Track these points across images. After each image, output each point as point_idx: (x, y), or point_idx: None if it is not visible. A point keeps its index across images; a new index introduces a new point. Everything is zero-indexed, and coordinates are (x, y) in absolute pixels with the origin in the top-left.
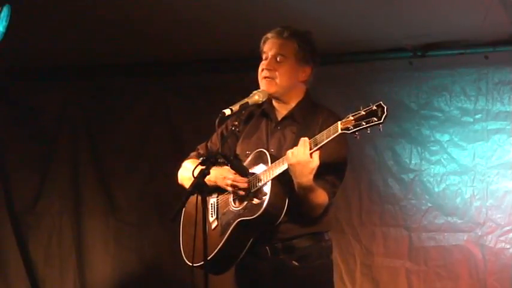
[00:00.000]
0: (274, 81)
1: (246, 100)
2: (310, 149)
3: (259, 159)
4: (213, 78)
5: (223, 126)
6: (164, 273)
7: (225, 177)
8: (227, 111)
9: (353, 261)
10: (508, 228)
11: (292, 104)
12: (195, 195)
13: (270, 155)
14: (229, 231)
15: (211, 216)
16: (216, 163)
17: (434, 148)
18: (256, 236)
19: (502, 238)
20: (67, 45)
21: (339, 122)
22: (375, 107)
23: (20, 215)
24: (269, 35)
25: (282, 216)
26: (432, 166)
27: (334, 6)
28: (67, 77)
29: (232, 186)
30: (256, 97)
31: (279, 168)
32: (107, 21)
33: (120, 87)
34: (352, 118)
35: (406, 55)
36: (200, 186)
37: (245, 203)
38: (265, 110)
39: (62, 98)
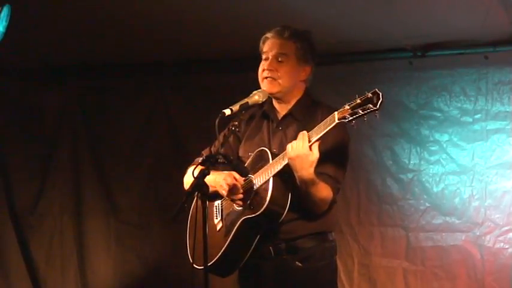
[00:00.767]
0: (277, 81)
1: (246, 100)
2: (309, 142)
3: (261, 157)
4: (213, 78)
5: (225, 129)
6: (165, 273)
7: (221, 185)
8: (227, 111)
9: (351, 261)
10: (506, 228)
11: (293, 103)
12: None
13: (271, 152)
14: (233, 231)
15: (216, 218)
16: (216, 163)
17: (433, 148)
18: (261, 235)
19: (500, 238)
20: (67, 45)
21: (336, 112)
22: (370, 94)
23: (21, 215)
24: (269, 35)
25: (285, 212)
26: (431, 166)
27: (334, 7)
28: (67, 77)
29: (228, 194)
30: (256, 97)
31: (280, 164)
32: (106, 22)
33: (120, 87)
34: (348, 107)
35: (406, 55)
36: (200, 187)
37: (248, 201)
38: (265, 111)
39: (62, 98)
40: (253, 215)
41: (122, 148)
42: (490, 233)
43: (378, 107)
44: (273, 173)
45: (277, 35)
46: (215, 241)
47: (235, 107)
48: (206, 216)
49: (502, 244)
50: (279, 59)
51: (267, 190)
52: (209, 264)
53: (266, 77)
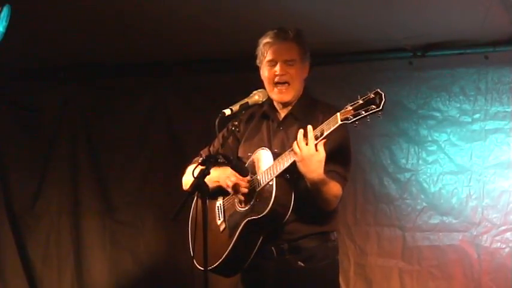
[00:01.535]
0: (291, 86)
1: (246, 100)
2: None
3: (262, 157)
4: (213, 78)
5: (224, 129)
6: (160, 272)
7: (227, 177)
8: (227, 111)
9: (347, 261)
10: (503, 228)
11: (293, 103)
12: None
13: (272, 152)
14: (237, 232)
15: (219, 219)
16: (216, 163)
17: (431, 148)
18: (265, 235)
19: (497, 238)
20: (67, 45)
21: (338, 113)
22: (372, 95)
23: (18, 215)
24: (270, 39)
25: (289, 213)
26: (429, 166)
27: (334, 7)
28: (67, 77)
29: (233, 188)
30: (256, 97)
31: (283, 164)
32: (106, 22)
33: (119, 87)
34: (350, 108)
35: (406, 55)
36: (200, 187)
37: (251, 202)
38: (265, 111)
39: (61, 98)
40: (257, 217)
41: (120, 148)
42: (487, 233)
43: (381, 107)
44: (277, 173)
45: (282, 39)
46: (220, 242)
47: (235, 107)
48: (206, 215)
49: (499, 244)
50: (288, 63)
51: (270, 191)
52: (215, 265)
53: (279, 82)
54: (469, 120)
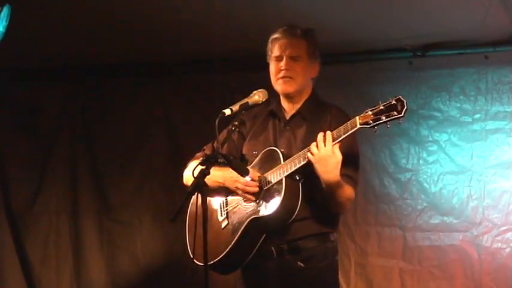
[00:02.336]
0: (294, 80)
1: (246, 100)
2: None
3: (270, 157)
4: (212, 78)
5: (229, 126)
6: (159, 272)
7: (236, 180)
8: (227, 111)
9: (347, 261)
10: (504, 228)
11: (301, 102)
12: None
13: (282, 152)
14: (241, 229)
15: (221, 216)
16: (216, 163)
17: (432, 148)
18: (267, 235)
19: (498, 238)
20: (67, 45)
21: (357, 117)
22: (394, 101)
23: (17, 214)
24: (278, 35)
25: (296, 214)
26: (429, 166)
27: (334, 7)
28: (67, 77)
29: (242, 190)
30: (256, 97)
31: (295, 165)
32: (106, 22)
33: (118, 87)
34: (370, 113)
35: (406, 55)
36: (200, 187)
37: (258, 201)
38: (273, 110)
39: (61, 98)
40: (264, 216)
41: (120, 148)
42: (487, 233)
43: (403, 114)
44: (287, 173)
45: (288, 35)
46: (220, 239)
47: (235, 107)
48: (206, 215)
49: (499, 244)
50: (294, 59)
51: (279, 191)
52: (214, 261)
53: (283, 77)
54: (470, 120)
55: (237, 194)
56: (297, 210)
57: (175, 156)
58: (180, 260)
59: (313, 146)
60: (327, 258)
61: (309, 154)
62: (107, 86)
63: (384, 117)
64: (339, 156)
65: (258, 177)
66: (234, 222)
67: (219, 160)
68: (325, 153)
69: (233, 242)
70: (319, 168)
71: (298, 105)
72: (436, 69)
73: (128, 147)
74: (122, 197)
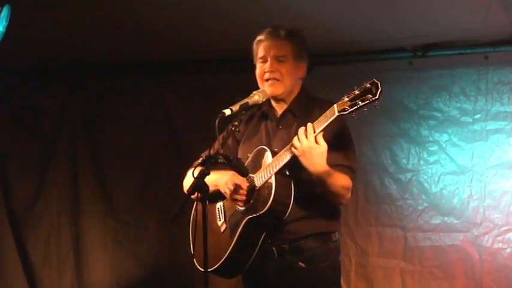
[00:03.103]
0: (280, 82)
1: (246, 100)
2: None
3: (260, 156)
4: (213, 78)
5: (224, 132)
6: (163, 273)
7: (226, 184)
8: (227, 112)
9: (348, 261)
10: (505, 228)
11: (291, 100)
12: (196, 196)
13: (271, 150)
14: (238, 231)
15: (219, 220)
16: (216, 163)
17: (432, 148)
18: (266, 234)
19: (499, 238)
20: (67, 45)
21: (335, 105)
22: (368, 85)
23: (18, 214)
24: (262, 37)
25: (289, 210)
26: (430, 166)
27: (334, 7)
28: (67, 77)
29: (232, 194)
30: (256, 97)
31: (282, 161)
32: (106, 21)
33: (119, 87)
34: (347, 99)
35: (406, 55)
36: (200, 187)
37: (251, 201)
38: (264, 111)
39: (61, 98)
40: (257, 214)
41: (120, 148)
42: (488, 233)
43: (377, 96)
44: (276, 170)
45: (273, 36)
46: (221, 243)
47: (235, 107)
48: (206, 215)
49: (500, 244)
50: (279, 60)
51: (270, 188)
52: (216, 266)
53: (268, 79)
54: (470, 120)
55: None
56: (291, 205)
57: (177, 156)
58: (185, 261)
59: (295, 139)
60: (328, 259)
61: (292, 148)
62: (108, 86)
63: (360, 102)
64: (323, 146)
65: (247, 178)
66: (232, 225)
67: (219, 160)
68: (308, 145)
69: (232, 244)
70: (305, 161)
71: (287, 103)
72: (436, 70)
73: (129, 147)
74: (125, 197)
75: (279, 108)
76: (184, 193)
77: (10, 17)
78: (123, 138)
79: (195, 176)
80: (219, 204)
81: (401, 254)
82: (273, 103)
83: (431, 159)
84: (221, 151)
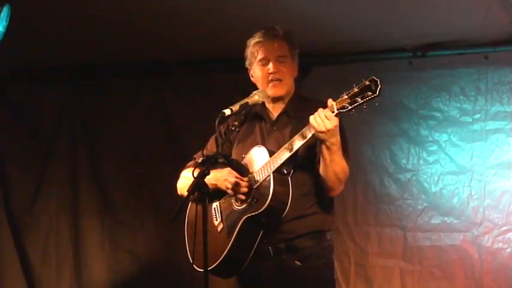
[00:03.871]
0: (283, 82)
1: (246, 100)
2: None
3: (257, 156)
4: (213, 78)
5: (217, 133)
6: (160, 272)
7: (225, 179)
8: (227, 111)
9: (347, 261)
10: (505, 228)
11: (286, 101)
12: (195, 198)
13: (268, 149)
14: (236, 230)
15: (216, 220)
16: (216, 163)
17: (432, 148)
18: (264, 232)
19: (499, 238)
20: (67, 45)
21: (334, 103)
22: (368, 82)
23: (17, 214)
24: (261, 38)
25: (288, 208)
26: (430, 166)
27: (334, 7)
28: (67, 77)
29: (233, 189)
30: (256, 97)
31: (280, 159)
32: (106, 22)
33: (119, 87)
34: (346, 97)
35: (406, 55)
36: (200, 187)
37: (249, 200)
38: (258, 112)
39: (61, 98)
40: (256, 213)
41: (120, 148)
42: (488, 233)
43: (377, 93)
44: (274, 168)
45: (272, 37)
46: (218, 243)
47: (235, 107)
48: (206, 216)
49: (500, 244)
50: (281, 60)
51: (268, 187)
52: (214, 265)
53: (272, 80)
54: (470, 120)
55: (229, 194)
56: (289, 203)
57: (176, 156)
58: (181, 260)
59: (315, 119)
60: (323, 257)
61: (312, 122)
62: (107, 86)
63: (359, 99)
64: (336, 120)
65: (248, 178)
66: (229, 224)
67: (219, 160)
68: (327, 114)
69: (230, 243)
70: (327, 137)
71: (283, 105)
72: (436, 69)
73: (128, 147)
74: (123, 197)
75: (275, 109)
76: (179, 195)
77: (10, 17)
78: (123, 138)
79: (195, 175)
80: (215, 204)
81: (400, 254)
82: (268, 104)
83: (431, 159)
84: (220, 151)
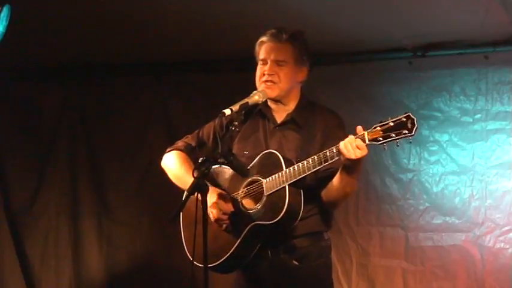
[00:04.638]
0: (277, 85)
1: (246, 100)
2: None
3: (270, 160)
4: (213, 78)
5: (217, 121)
6: (158, 273)
7: (210, 206)
8: (227, 111)
9: (349, 261)
10: (507, 228)
11: (291, 106)
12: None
13: (283, 157)
14: (243, 233)
15: None
16: (215, 163)
17: (433, 148)
18: (267, 239)
19: (501, 238)
20: (67, 45)
21: (366, 132)
22: (404, 118)
23: (17, 215)
24: (265, 38)
25: (298, 221)
26: (431, 166)
27: (334, 6)
28: (67, 77)
29: (216, 219)
30: (256, 97)
31: (299, 174)
32: (106, 21)
33: (118, 87)
34: (379, 129)
35: (406, 55)
36: (200, 187)
37: (259, 205)
38: (262, 110)
39: (60, 98)
40: (267, 222)
41: (119, 148)
42: (490, 233)
43: (413, 133)
44: (292, 180)
45: (275, 39)
46: (220, 240)
47: (235, 107)
48: (206, 217)
49: (502, 244)
50: (279, 64)
51: (283, 198)
52: (215, 264)
53: (266, 81)
54: (470, 120)
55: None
56: (300, 217)
57: None
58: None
59: (342, 144)
60: (321, 257)
61: (342, 149)
62: (107, 86)
63: (393, 135)
64: (367, 150)
65: (232, 210)
66: (235, 224)
67: (218, 160)
68: (358, 144)
69: (235, 245)
70: (357, 166)
71: (287, 108)
72: (436, 69)
73: (127, 147)
74: (121, 197)
75: (278, 110)
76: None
77: (10, 17)
78: (123, 139)
79: (195, 175)
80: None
81: (402, 254)
82: (270, 104)
83: (432, 159)
84: (220, 151)
